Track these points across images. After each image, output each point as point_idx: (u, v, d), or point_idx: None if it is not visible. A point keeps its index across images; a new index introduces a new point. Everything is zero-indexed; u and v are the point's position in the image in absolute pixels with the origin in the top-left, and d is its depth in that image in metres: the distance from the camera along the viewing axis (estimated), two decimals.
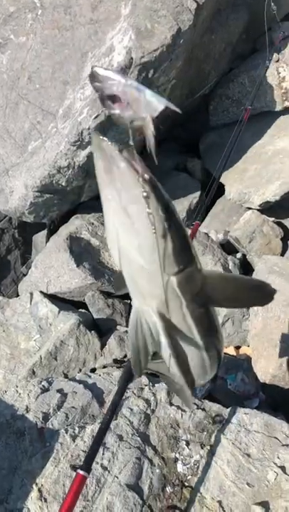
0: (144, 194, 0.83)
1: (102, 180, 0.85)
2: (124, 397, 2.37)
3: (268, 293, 1.00)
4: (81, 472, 1.38)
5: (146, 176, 0.83)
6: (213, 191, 2.84)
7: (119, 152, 0.81)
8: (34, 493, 1.96)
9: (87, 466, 1.40)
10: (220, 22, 4.25)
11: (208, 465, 2.05)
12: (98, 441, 1.48)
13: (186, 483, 2.01)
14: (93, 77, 0.80)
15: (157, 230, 0.85)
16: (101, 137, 0.83)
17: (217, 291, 0.97)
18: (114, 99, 0.80)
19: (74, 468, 1.36)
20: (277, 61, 4.48)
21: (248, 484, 1.92)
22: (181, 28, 3.47)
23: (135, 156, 0.82)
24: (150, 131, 0.80)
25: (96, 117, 3.40)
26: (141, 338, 0.98)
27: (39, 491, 1.97)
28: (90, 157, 3.70)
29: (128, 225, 0.85)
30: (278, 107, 4.50)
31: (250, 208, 4.08)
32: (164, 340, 0.96)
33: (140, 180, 0.82)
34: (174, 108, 0.78)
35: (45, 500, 1.93)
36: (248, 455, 2.03)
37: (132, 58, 3.36)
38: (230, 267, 3.63)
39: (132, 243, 0.87)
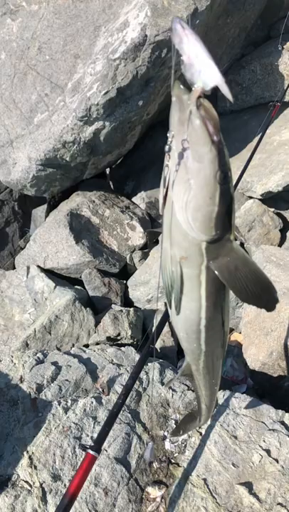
0: (210, 155, 0.84)
1: (173, 130, 0.87)
2: (117, 374, 2.41)
3: (272, 299, 0.98)
4: (91, 452, 1.37)
5: (216, 138, 0.84)
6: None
7: (197, 108, 0.82)
8: (25, 460, 2.00)
9: (97, 446, 1.40)
10: (236, 6, 4.17)
11: (195, 444, 2.10)
12: (109, 423, 1.46)
13: (173, 460, 2.07)
14: (171, 28, 0.79)
15: (210, 192, 0.87)
16: (183, 89, 0.83)
17: (231, 267, 0.99)
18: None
19: (84, 447, 1.36)
20: None
21: (233, 465, 1.98)
22: (198, 8, 3.41)
23: (212, 115, 0.83)
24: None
25: (106, 93, 3.36)
26: (167, 279, 1.06)
27: (30, 458, 2.01)
28: (96, 134, 3.67)
29: (184, 179, 0.87)
30: (287, 98, 4.46)
31: (251, 197, 4.09)
32: (177, 286, 1.04)
33: (209, 141, 0.83)
34: (226, 94, 0.76)
35: (35, 467, 1.98)
36: (235, 437, 2.09)
37: (146, 35, 3.31)
38: None
39: (180, 197, 0.90)
